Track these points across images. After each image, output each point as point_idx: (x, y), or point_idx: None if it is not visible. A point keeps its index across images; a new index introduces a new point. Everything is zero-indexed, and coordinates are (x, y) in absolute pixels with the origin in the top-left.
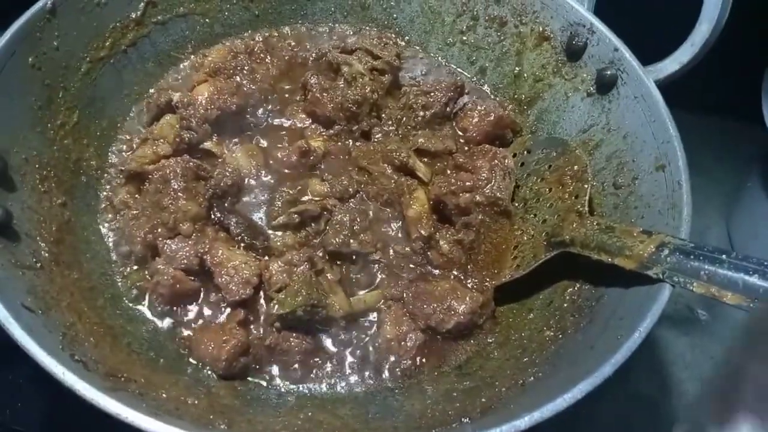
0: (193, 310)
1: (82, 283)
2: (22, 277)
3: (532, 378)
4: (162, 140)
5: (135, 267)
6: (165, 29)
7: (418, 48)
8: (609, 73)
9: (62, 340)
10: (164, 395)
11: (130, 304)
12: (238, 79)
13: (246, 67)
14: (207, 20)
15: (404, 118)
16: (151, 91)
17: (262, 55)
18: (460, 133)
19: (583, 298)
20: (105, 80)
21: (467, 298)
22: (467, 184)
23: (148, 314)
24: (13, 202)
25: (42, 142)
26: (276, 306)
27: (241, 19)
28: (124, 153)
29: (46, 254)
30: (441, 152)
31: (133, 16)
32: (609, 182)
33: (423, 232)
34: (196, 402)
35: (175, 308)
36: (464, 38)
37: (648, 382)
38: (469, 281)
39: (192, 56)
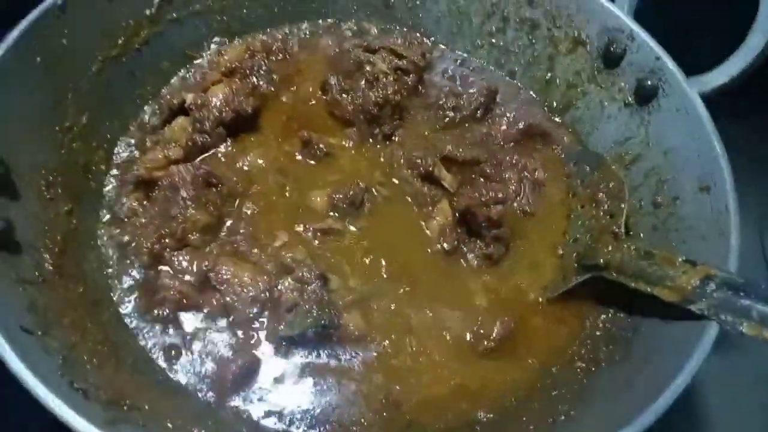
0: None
1: (87, 297)
2: (22, 294)
3: (563, 417)
4: (174, 143)
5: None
6: (180, 27)
7: (444, 47)
8: (649, 83)
9: (62, 365)
10: (170, 425)
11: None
12: (254, 79)
13: (263, 67)
14: (224, 17)
15: (429, 119)
16: (164, 91)
17: (280, 54)
18: (487, 138)
19: (618, 327)
20: (117, 80)
21: (498, 322)
22: (500, 195)
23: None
24: (16, 211)
25: (49, 145)
26: (285, 327)
27: (260, 16)
28: (135, 155)
29: (50, 266)
30: (469, 161)
31: (147, 13)
32: (647, 201)
33: (446, 246)
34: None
35: (178, 323)
36: (493, 40)
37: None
38: None
39: (208, 55)
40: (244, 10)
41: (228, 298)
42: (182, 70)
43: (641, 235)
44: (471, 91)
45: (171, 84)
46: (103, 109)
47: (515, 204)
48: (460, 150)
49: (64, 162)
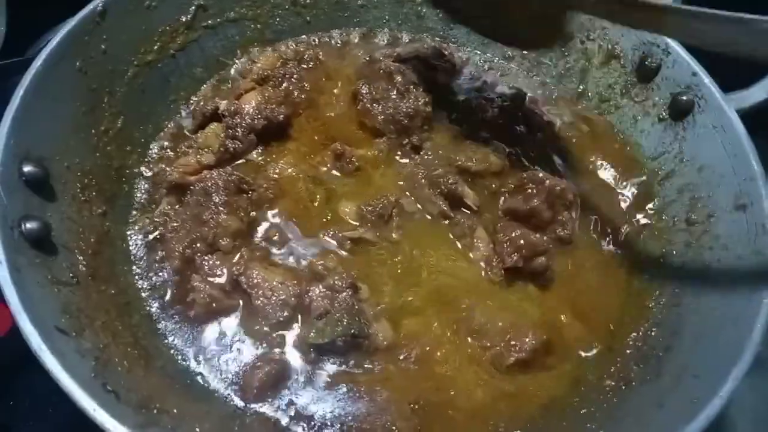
0: (227, 329)
1: (118, 299)
2: (57, 295)
3: None
4: (206, 149)
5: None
6: (215, 34)
7: (476, 57)
8: (685, 98)
9: (95, 366)
10: (198, 429)
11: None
12: (286, 86)
13: (295, 75)
14: (258, 26)
15: (455, 131)
16: (194, 98)
17: (311, 62)
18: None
19: (649, 345)
20: (151, 85)
21: (530, 333)
22: (539, 249)
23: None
24: (52, 213)
25: (85, 148)
26: (314, 334)
27: (292, 25)
28: (168, 160)
29: (84, 268)
30: (483, 173)
31: (183, 20)
32: (681, 218)
33: (492, 277)
34: None
35: (207, 327)
36: (524, 52)
37: None
38: None
39: (240, 62)
40: (277, 19)
41: (258, 302)
42: (215, 77)
43: (674, 252)
44: (500, 96)
45: (203, 90)
46: (137, 113)
47: (554, 235)
48: (474, 161)
49: (98, 165)
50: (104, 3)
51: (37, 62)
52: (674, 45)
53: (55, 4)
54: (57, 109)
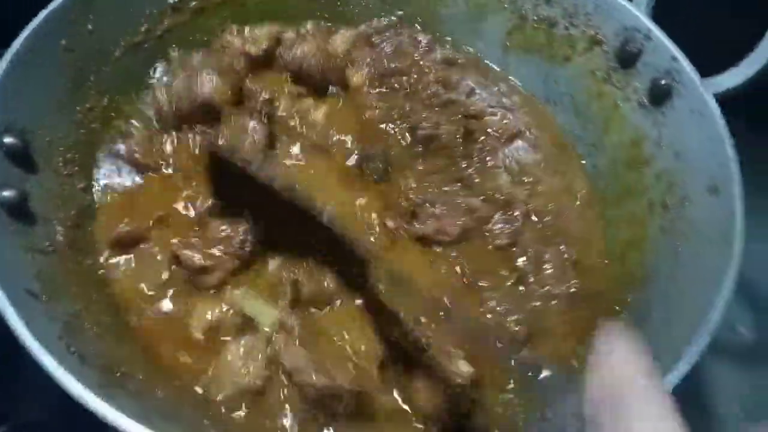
0: None
1: (95, 271)
2: (31, 261)
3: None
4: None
5: None
6: (202, 17)
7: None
8: (664, 83)
9: (62, 329)
10: (160, 394)
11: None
12: None
13: None
14: (246, 8)
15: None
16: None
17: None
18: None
19: None
20: (138, 66)
21: None
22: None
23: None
24: (32, 184)
25: (69, 124)
26: None
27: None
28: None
29: (61, 238)
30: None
31: (171, 2)
32: (657, 203)
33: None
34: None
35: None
36: (510, 41)
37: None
38: None
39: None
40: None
41: None
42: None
43: (649, 236)
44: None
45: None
46: (123, 92)
47: None
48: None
49: (83, 141)
50: None
51: (21, 37)
52: (655, 30)
53: None
54: (41, 84)
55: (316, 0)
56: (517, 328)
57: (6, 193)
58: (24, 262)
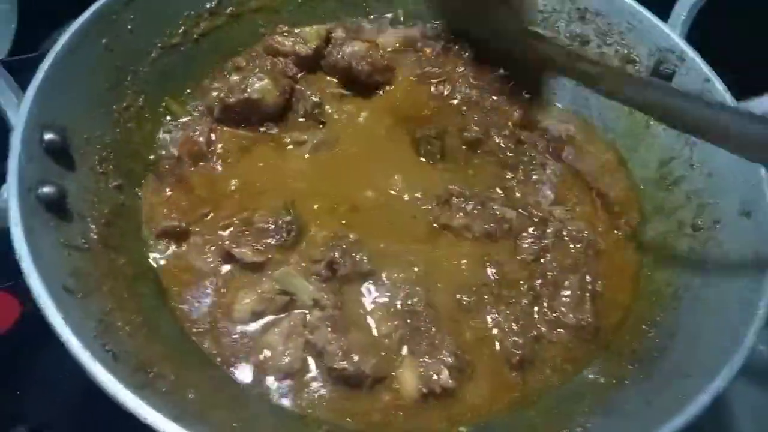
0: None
1: (127, 269)
2: (68, 258)
3: (579, 429)
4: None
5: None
6: (237, 22)
7: None
8: None
9: (97, 327)
10: (191, 396)
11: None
12: None
13: None
14: (280, 15)
15: None
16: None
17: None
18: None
19: (645, 347)
20: (174, 67)
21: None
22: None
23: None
24: (69, 182)
25: (105, 123)
26: None
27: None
28: None
29: (95, 236)
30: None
31: (208, 6)
32: (687, 223)
33: None
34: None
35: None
36: None
37: None
38: None
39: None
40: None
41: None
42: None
43: (679, 256)
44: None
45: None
46: (158, 94)
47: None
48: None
49: (118, 140)
50: None
51: (65, 36)
52: (689, 51)
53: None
54: (81, 82)
55: (347, 4)
56: (515, 352)
57: (46, 190)
58: (61, 259)
